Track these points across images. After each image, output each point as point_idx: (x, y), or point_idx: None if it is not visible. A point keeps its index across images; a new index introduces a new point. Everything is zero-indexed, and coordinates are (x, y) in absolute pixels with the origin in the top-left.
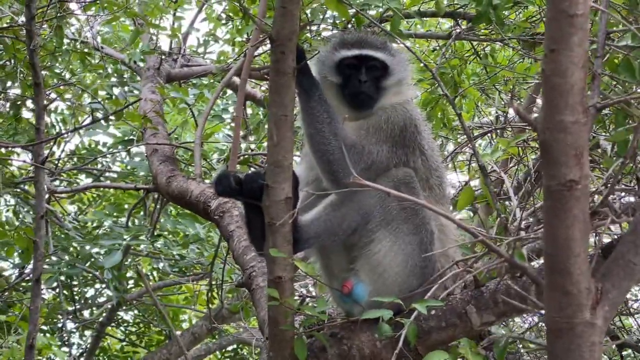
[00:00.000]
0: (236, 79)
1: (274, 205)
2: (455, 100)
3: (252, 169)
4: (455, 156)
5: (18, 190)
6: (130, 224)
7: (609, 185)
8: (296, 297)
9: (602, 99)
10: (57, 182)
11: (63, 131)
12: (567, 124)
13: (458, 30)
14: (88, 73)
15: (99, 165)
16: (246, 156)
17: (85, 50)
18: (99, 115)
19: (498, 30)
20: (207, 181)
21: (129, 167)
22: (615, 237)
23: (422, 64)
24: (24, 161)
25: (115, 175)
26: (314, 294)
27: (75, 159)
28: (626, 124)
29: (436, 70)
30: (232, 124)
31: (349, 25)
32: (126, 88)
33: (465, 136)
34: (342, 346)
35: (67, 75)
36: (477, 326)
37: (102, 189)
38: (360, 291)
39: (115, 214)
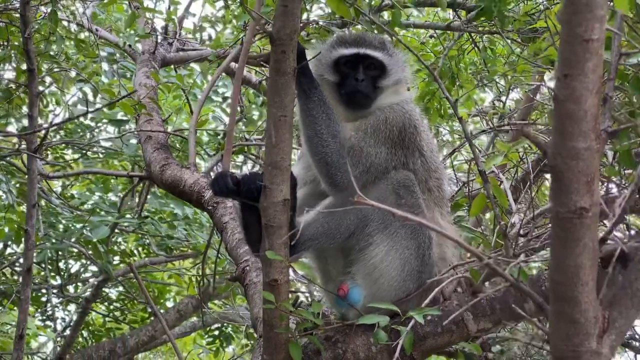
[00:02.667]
0: (232, 64)
1: (271, 206)
2: (451, 91)
3: (247, 158)
4: (455, 155)
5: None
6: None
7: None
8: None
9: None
10: (45, 165)
11: (56, 119)
12: (580, 150)
13: (457, 22)
14: (83, 58)
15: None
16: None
17: (80, 34)
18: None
19: (498, 25)
20: (202, 169)
21: (118, 147)
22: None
23: (418, 59)
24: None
25: (102, 150)
26: (305, 291)
27: (62, 133)
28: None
29: (437, 70)
30: (223, 106)
31: (344, 23)
32: (115, 66)
33: (462, 135)
34: (337, 350)
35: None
36: (474, 332)
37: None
38: (356, 295)
39: (100, 194)
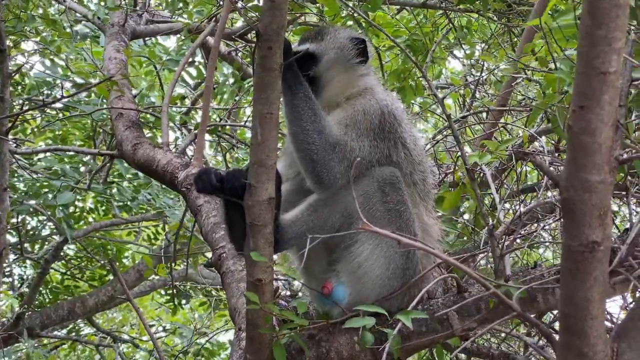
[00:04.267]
0: (208, 39)
1: (256, 205)
2: (425, 67)
3: (221, 138)
4: (437, 145)
5: None
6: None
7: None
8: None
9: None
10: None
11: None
12: (593, 183)
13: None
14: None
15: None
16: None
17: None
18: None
19: (481, 6)
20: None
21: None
22: None
23: (390, 39)
24: None
25: (62, 107)
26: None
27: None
28: None
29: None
30: (189, 69)
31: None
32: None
33: (445, 123)
34: (321, 348)
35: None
36: (459, 332)
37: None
38: (340, 293)
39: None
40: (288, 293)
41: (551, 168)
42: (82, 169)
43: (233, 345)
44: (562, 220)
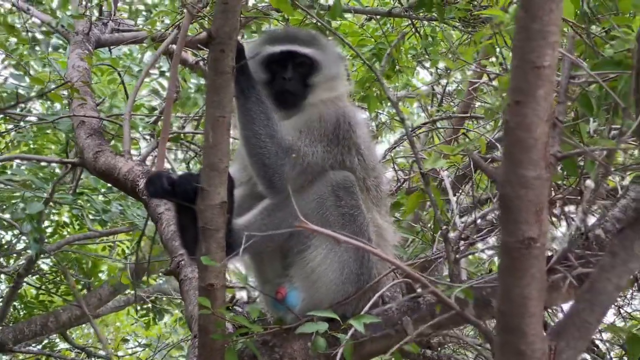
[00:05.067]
0: (170, 46)
1: (208, 209)
2: (392, 76)
3: (184, 146)
4: (395, 152)
5: None
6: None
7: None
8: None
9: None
10: None
11: None
12: (529, 179)
13: (398, 8)
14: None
15: (18, 110)
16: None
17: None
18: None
19: (437, 15)
20: (135, 157)
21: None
22: None
23: (355, 52)
24: None
25: (35, 119)
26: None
27: None
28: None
29: (381, 69)
30: (159, 80)
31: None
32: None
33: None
34: (274, 354)
35: None
36: (413, 338)
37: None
38: (293, 298)
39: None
40: (245, 299)
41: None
42: None
43: (188, 353)
44: (499, 217)
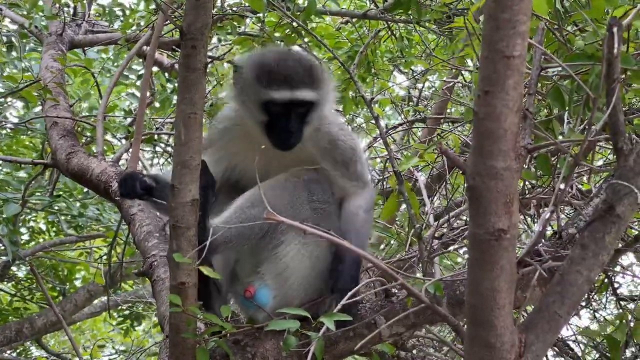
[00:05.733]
0: (144, 48)
1: (179, 207)
2: (367, 78)
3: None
4: (370, 151)
5: None
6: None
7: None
8: None
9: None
10: None
11: None
12: (499, 170)
13: (374, 10)
14: None
15: None
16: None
17: None
18: None
19: (414, 16)
20: (108, 158)
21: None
22: None
23: (334, 56)
24: None
25: (11, 126)
26: None
27: None
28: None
29: (354, 70)
30: (137, 83)
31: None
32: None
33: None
34: (246, 354)
35: None
36: (386, 337)
37: None
38: (263, 296)
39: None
40: None
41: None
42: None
43: (160, 352)
44: (469, 208)
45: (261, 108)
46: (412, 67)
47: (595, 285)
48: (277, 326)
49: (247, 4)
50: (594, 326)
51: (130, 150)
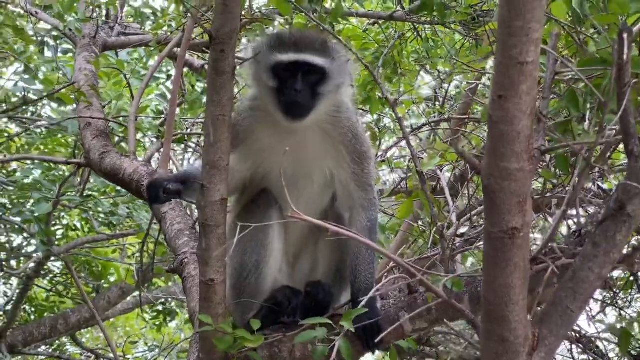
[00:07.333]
0: (175, 49)
1: (209, 205)
2: (393, 79)
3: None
4: (392, 153)
5: None
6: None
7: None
8: None
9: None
10: None
11: None
12: (512, 171)
13: (400, 12)
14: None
15: (29, 114)
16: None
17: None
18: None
19: (439, 18)
20: (140, 158)
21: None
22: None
23: (358, 59)
24: None
25: (45, 124)
26: None
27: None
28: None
29: (378, 72)
30: (167, 84)
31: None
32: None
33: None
34: (274, 348)
35: None
36: (409, 332)
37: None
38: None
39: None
40: None
41: None
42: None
43: (191, 346)
44: (484, 207)
45: (271, 73)
46: (438, 68)
47: (620, 282)
48: (304, 338)
49: (274, 7)
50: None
51: (162, 150)
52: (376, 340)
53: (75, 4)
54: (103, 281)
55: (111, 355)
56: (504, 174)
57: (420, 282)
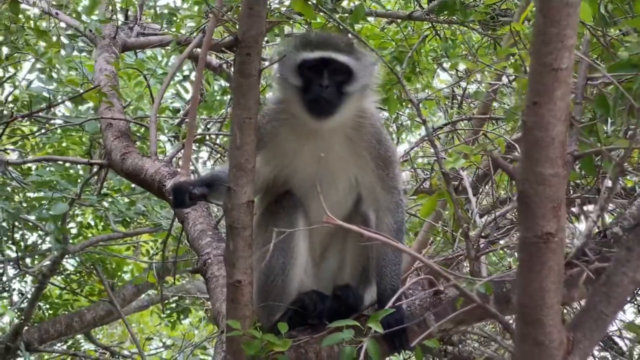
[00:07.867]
0: (195, 50)
1: (236, 208)
2: (411, 78)
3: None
4: (415, 153)
5: None
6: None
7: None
8: None
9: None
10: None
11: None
12: (547, 176)
13: (418, 12)
14: (39, 42)
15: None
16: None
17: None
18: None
19: (460, 17)
20: (161, 157)
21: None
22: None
23: (378, 56)
24: None
25: (61, 122)
26: None
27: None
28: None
29: (402, 72)
30: (184, 83)
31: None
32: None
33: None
34: (300, 349)
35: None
36: (435, 333)
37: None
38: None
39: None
40: None
41: None
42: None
43: (216, 347)
44: (518, 212)
45: (297, 72)
46: (457, 68)
47: None
48: (332, 341)
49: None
50: (639, 321)
51: (183, 150)
52: (406, 343)
53: (96, 7)
54: (117, 279)
55: (125, 352)
56: (539, 179)
57: (454, 287)
